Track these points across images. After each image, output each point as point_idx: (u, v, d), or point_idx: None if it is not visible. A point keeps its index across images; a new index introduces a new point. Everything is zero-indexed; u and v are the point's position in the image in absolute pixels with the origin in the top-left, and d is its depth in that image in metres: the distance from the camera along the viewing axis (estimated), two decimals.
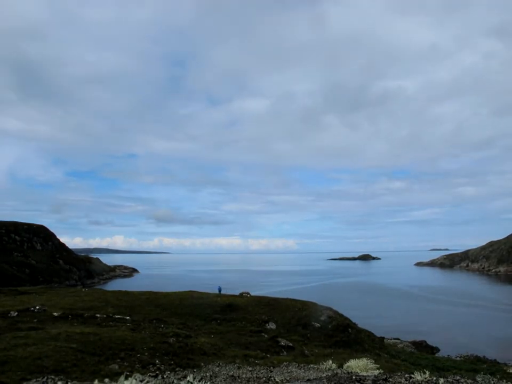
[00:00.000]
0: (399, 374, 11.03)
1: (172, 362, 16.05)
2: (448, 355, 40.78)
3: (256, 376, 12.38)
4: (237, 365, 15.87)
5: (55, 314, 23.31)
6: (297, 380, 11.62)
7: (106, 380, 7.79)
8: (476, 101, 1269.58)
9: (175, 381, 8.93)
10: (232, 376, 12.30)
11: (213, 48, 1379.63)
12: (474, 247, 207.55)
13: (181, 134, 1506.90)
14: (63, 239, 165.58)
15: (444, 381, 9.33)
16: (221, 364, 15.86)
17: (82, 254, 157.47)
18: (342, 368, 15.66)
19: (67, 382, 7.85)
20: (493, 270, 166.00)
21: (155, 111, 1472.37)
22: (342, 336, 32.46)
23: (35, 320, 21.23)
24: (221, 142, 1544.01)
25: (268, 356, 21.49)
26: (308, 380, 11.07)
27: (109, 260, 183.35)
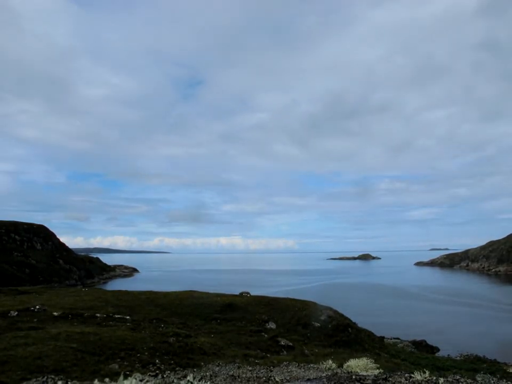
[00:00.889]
0: (399, 373, 11.04)
1: (172, 361, 16.05)
2: (448, 355, 40.78)
3: (256, 376, 12.38)
4: (237, 364, 15.87)
5: (55, 314, 23.31)
6: (297, 380, 11.62)
7: (107, 380, 7.79)
8: (466, 108, 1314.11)
9: (175, 381, 8.93)
10: (232, 375, 12.30)
11: (220, 72, 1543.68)
12: (474, 247, 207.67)
13: (186, 140, 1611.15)
14: (64, 238, 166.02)
15: (444, 381, 9.33)
16: (221, 363, 15.85)
17: (83, 254, 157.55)
18: (342, 367, 15.66)
19: (67, 382, 7.85)
20: (493, 270, 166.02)
21: (165, 123, 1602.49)
22: (342, 335, 32.45)
23: (35, 320, 21.23)
24: (225, 146, 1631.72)
25: (268, 355, 21.49)
26: (308, 379, 11.08)
27: (109, 260, 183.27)
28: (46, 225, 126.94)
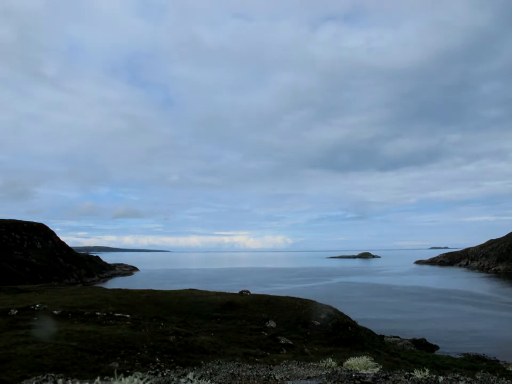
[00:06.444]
0: (398, 372, 11.04)
1: (172, 360, 16.07)
2: (448, 353, 40.81)
3: (256, 374, 12.37)
4: (237, 363, 15.86)
5: (55, 312, 23.32)
6: (297, 378, 11.62)
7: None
8: None
9: (175, 379, 8.93)
10: (232, 374, 12.29)
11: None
12: (474, 246, 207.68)
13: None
14: (65, 237, 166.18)
15: (444, 379, 9.33)
16: (220, 361, 15.85)
17: (83, 252, 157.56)
18: (342, 366, 15.67)
19: (67, 380, 7.84)
20: (493, 268, 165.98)
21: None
22: (342, 334, 32.47)
23: (35, 319, 21.24)
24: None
25: (268, 354, 21.51)
26: (308, 377, 11.08)
27: (109, 258, 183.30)
28: (46, 224, 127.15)
